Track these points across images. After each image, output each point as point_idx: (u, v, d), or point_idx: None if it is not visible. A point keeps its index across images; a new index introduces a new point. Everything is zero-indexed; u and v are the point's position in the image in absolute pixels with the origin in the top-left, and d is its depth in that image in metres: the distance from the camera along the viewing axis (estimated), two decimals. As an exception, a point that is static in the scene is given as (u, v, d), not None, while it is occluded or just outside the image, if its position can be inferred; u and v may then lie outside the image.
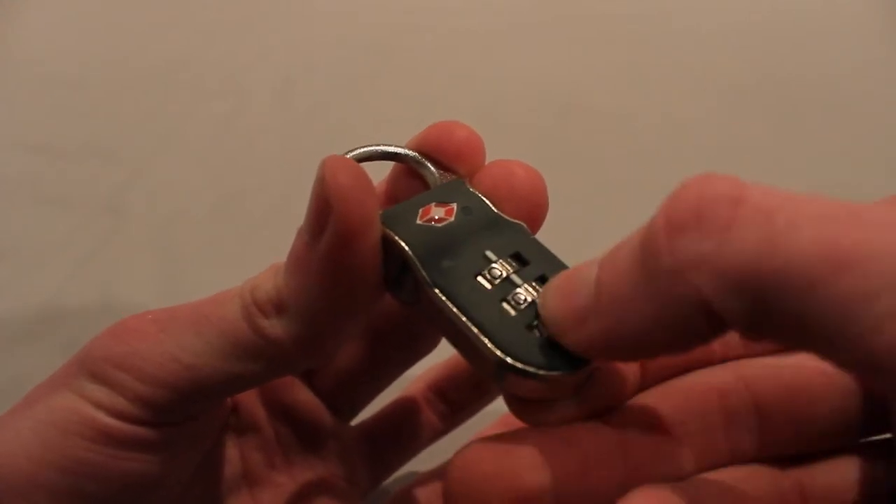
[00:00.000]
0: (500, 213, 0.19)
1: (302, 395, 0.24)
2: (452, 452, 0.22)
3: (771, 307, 0.12)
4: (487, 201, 0.20)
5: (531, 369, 0.16)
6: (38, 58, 0.45)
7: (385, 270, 0.18)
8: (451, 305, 0.18)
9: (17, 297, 0.35)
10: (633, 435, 0.17)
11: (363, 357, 0.24)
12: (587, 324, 0.15)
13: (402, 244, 0.18)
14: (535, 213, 0.19)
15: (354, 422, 0.26)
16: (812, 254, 0.12)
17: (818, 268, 0.12)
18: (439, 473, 0.25)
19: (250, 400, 0.23)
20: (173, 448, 0.19)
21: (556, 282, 0.16)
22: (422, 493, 0.25)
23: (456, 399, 0.26)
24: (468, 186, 0.20)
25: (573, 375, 0.16)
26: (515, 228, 0.19)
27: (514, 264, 0.18)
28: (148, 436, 0.18)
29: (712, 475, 0.18)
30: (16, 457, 0.17)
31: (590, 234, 0.37)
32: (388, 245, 0.18)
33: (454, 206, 0.19)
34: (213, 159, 0.41)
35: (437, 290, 0.18)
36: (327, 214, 0.16)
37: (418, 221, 0.19)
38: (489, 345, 0.17)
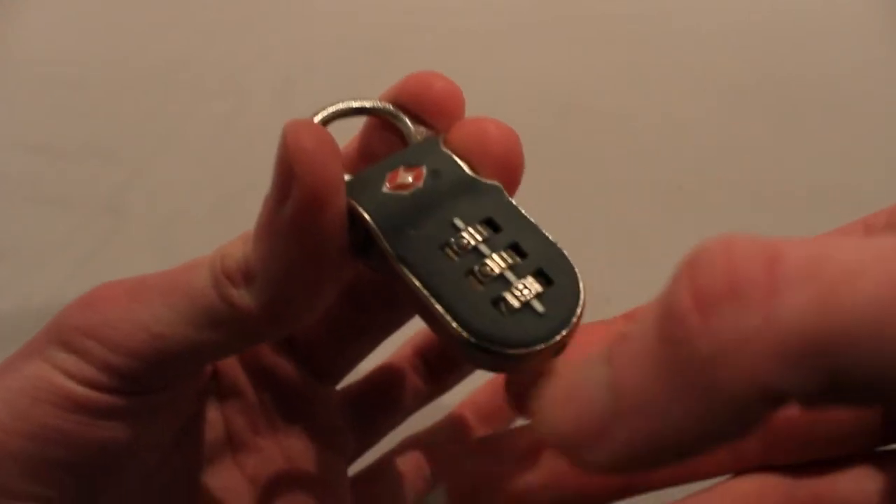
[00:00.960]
0: (473, 174, 0.18)
1: (284, 359, 0.24)
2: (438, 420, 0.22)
3: (847, 370, 0.10)
4: (461, 162, 0.18)
5: (496, 348, 0.16)
6: (38, 58, 0.45)
7: (353, 238, 0.18)
8: (414, 280, 0.17)
9: (17, 297, 0.35)
10: None
11: (345, 320, 0.23)
12: (610, 436, 0.12)
13: (366, 215, 0.17)
14: (511, 173, 0.19)
15: (340, 386, 0.25)
16: (880, 297, 0.10)
17: (893, 311, 0.10)
18: (425, 437, 0.25)
19: (231, 365, 0.23)
20: (146, 416, 0.18)
21: (553, 392, 0.14)
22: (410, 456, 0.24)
23: (442, 365, 0.25)
24: (441, 146, 0.19)
25: (542, 350, 0.16)
26: (489, 191, 0.18)
27: (484, 232, 0.17)
28: (118, 404, 0.17)
29: (730, 484, 0.18)
30: None
31: (590, 234, 0.37)
32: (353, 214, 0.18)
33: (423, 169, 0.18)
34: (213, 159, 0.41)
35: (400, 264, 0.17)
36: (290, 180, 0.16)
37: (385, 189, 0.18)
38: (453, 323, 0.16)
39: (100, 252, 0.37)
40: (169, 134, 0.42)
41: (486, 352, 0.16)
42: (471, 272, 0.17)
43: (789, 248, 0.11)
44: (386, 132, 0.20)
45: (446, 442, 0.25)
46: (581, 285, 0.17)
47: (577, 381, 0.13)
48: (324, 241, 0.17)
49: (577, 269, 0.17)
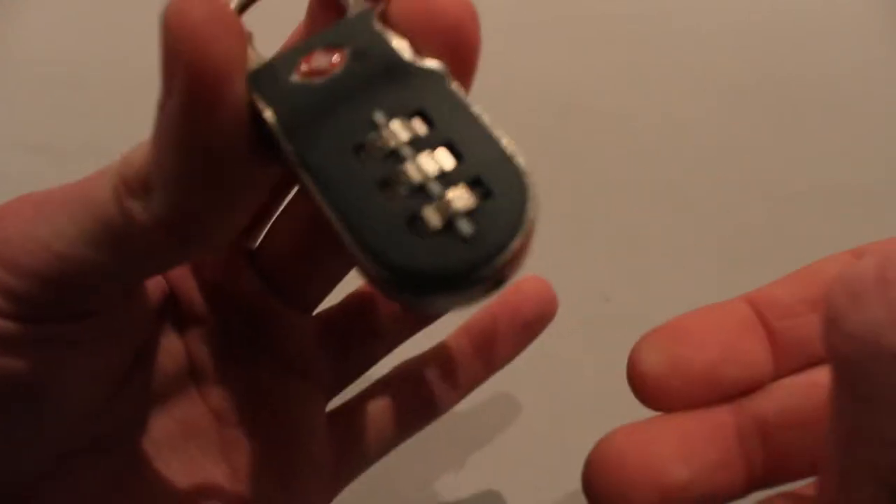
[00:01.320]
0: (407, 56, 0.14)
1: (249, 281, 0.21)
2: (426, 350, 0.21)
3: None
4: (396, 41, 0.14)
5: (407, 284, 0.12)
6: (38, 58, 0.45)
7: (262, 138, 0.14)
8: (316, 190, 0.13)
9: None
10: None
11: (313, 237, 0.20)
12: None
13: (264, 109, 0.14)
14: (461, 51, 0.15)
15: (316, 313, 0.23)
16: None
17: None
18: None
19: (188, 287, 0.21)
20: (67, 347, 0.16)
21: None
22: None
23: None
24: (374, 21, 0.15)
25: (464, 292, 0.12)
26: (427, 76, 0.14)
27: (411, 128, 0.14)
28: (22, 332, 0.15)
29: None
30: None
31: (590, 233, 0.37)
32: (255, 109, 0.14)
33: (345, 51, 0.14)
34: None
35: (302, 169, 0.14)
36: (175, 63, 0.13)
37: (294, 77, 0.14)
38: (359, 251, 0.13)
39: (100, 252, 0.37)
40: (169, 134, 0.42)
41: (391, 289, 0.13)
42: (386, 182, 0.13)
43: None
44: (330, 11, 0.17)
45: (435, 373, 0.23)
46: (530, 199, 0.13)
47: None
48: (219, 140, 0.14)
49: (528, 177, 0.13)
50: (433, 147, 0.13)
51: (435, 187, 0.13)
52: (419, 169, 0.13)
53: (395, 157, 0.13)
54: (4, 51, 0.45)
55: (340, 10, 0.16)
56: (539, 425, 0.31)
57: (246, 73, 0.14)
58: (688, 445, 0.17)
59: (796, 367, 0.19)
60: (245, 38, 0.14)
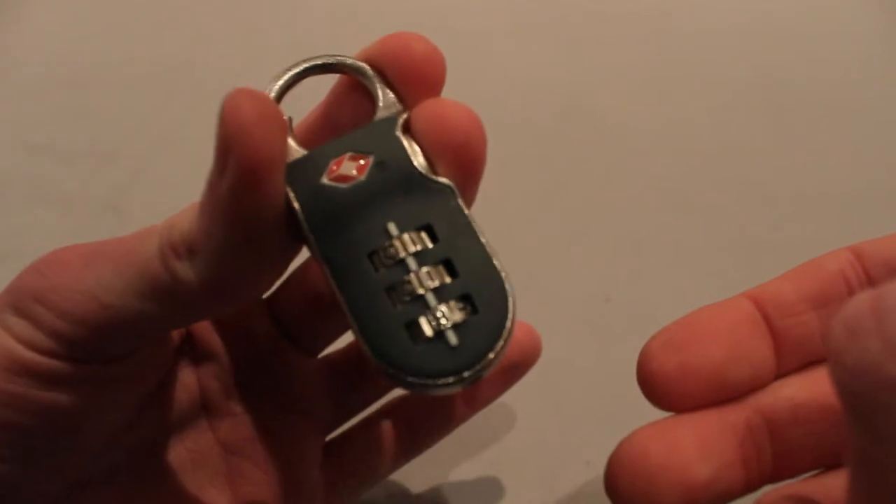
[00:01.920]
0: (423, 170, 0.16)
1: (261, 324, 0.23)
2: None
3: None
4: (413, 154, 0.17)
5: (398, 374, 0.15)
6: (38, 58, 0.45)
7: (293, 222, 0.17)
8: (334, 285, 0.16)
9: (18, 297, 0.35)
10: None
11: (319, 293, 0.23)
12: None
13: (296, 206, 0.16)
14: (467, 167, 0.17)
15: (322, 356, 0.25)
16: None
17: None
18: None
19: (206, 329, 0.23)
20: (97, 384, 0.18)
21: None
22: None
23: None
24: (397, 129, 0.17)
25: (447, 384, 0.15)
26: (438, 192, 0.16)
27: (417, 241, 0.16)
28: (66, 370, 0.17)
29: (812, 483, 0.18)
30: None
31: (590, 233, 0.37)
32: (289, 202, 0.16)
33: (370, 159, 0.16)
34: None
35: (324, 265, 0.16)
36: (228, 152, 0.15)
37: (323, 180, 0.16)
38: (362, 339, 0.15)
39: (100, 252, 0.37)
40: (169, 134, 0.42)
41: (389, 375, 0.15)
42: (391, 288, 0.15)
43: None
44: (357, 95, 0.19)
45: (422, 407, 0.25)
46: (509, 320, 0.15)
47: None
48: (259, 218, 0.16)
49: (511, 300, 0.16)
50: (434, 262, 0.16)
51: (431, 300, 0.16)
52: (420, 282, 0.15)
53: (402, 265, 0.16)
54: (4, 51, 0.45)
55: (365, 93, 0.18)
56: (539, 426, 0.31)
57: (285, 165, 0.16)
58: (707, 444, 0.17)
59: (798, 364, 0.19)
60: (286, 132, 0.16)
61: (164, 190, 0.40)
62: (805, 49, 0.45)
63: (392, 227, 0.16)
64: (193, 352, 0.23)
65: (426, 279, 0.16)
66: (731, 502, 0.18)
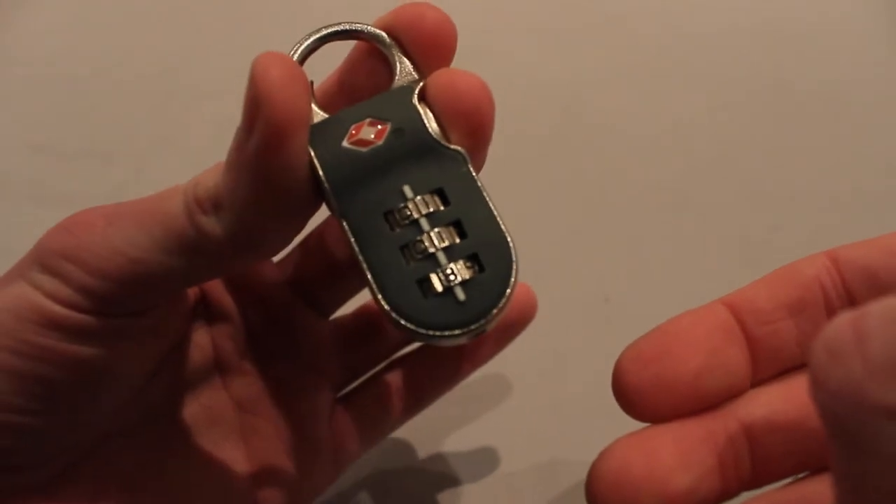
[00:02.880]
0: (437, 137, 0.18)
1: (275, 285, 0.24)
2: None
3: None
4: (427, 121, 0.18)
5: (410, 326, 0.16)
6: (38, 58, 0.45)
7: (314, 179, 0.18)
8: (352, 241, 0.17)
9: (18, 297, 0.35)
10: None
11: (334, 256, 0.24)
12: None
13: (318, 167, 0.17)
14: (477, 131, 0.18)
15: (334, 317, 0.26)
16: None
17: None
18: None
19: (218, 288, 0.24)
20: (123, 337, 0.19)
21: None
22: None
23: None
24: (413, 98, 0.18)
25: (455, 335, 0.16)
26: (450, 158, 0.17)
27: (430, 204, 0.17)
28: (95, 324, 0.18)
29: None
30: None
31: (590, 233, 0.37)
32: (310, 162, 0.18)
33: (388, 126, 0.18)
34: (213, 159, 0.41)
35: (343, 223, 0.17)
36: (256, 113, 0.16)
37: (344, 143, 0.18)
38: (377, 294, 0.17)
39: (100, 252, 0.37)
40: (169, 134, 0.42)
41: (400, 326, 0.17)
42: (405, 246, 0.17)
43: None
44: (372, 61, 0.20)
45: (426, 364, 0.26)
46: (513, 277, 0.17)
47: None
48: (285, 175, 0.17)
49: (514, 259, 0.17)
50: (445, 223, 0.17)
51: (442, 258, 0.17)
52: (432, 241, 0.17)
53: (415, 225, 0.17)
54: (4, 51, 0.46)
55: (380, 60, 0.19)
56: (539, 425, 0.31)
57: (309, 126, 0.17)
58: (687, 453, 0.18)
59: (774, 371, 0.19)
60: (310, 94, 0.17)
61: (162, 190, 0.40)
62: (805, 50, 0.45)
63: (407, 190, 0.17)
64: (207, 312, 0.23)
65: (437, 239, 0.17)
66: None
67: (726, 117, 0.42)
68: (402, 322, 0.16)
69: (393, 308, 0.16)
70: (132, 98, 0.44)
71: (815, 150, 0.40)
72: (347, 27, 0.19)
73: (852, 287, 0.19)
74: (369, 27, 0.19)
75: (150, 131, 0.42)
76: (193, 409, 0.23)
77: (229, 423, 0.23)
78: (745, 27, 0.46)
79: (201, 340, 0.23)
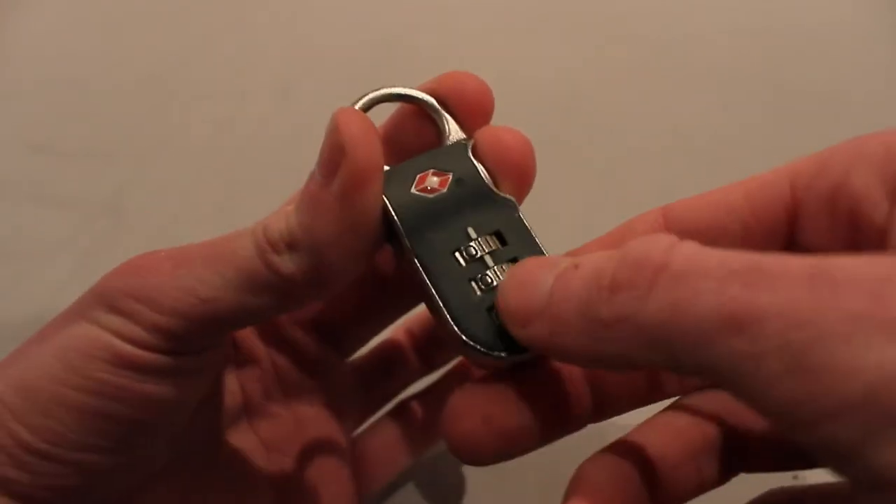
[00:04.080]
0: (492, 187, 0.20)
1: (304, 331, 0.26)
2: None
3: (681, 362, 0.14)
4: (483, 173, 0.20)
5: (483, 349, 0.18)
6: (38, 58, 0.46)
7: (383, 222, 0.20)
8: (425, 276, 0.19)
9: (17, 297, 0.35)
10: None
11: (364, 298, 0.25)
12: (533, 324, 0.16)
13: (392, 210, 0.19)
14: (523, 178, 0.21)
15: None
16: (708, 318, 0.13)
17: (713, 331, 0.13)
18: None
19: (249, 335, 0.25)
20: (189, 375, 0.20)
21: (518, 275, 0.17)
22: None
23: (433, 345, 0.28)
24: (468, 153, 0.21)
25: (521, 359, 0.18)
26: (504, 205, 0.20)
27: (491, 244, 0.19)
28: (165, 363, 0.19)
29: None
30: (39, 378, 0.18)
31: (590, 233, 0.37)
32: (383, 205, 0.19)
33: (450, 176, 0.20)
34: (213, 159, 0.41)
35: (416, 260, 0.19)
36: (340, 158, 0.18)
37: (413, 189, 0.20)
38: (451, 321, 0.18)
39: (100, 252, 0.37)
40: (169, 134, 0.42)
41: (473, 350, 0.18)
42: (473, 279, 0.19)
43: (678, 259, 0.14)
44: (416, 122, 0.22)
45: (433, 405, 0.28)
46: None
47: (534, 276, 0.17)
48: (364, 216, 0.19)
49: None
50: (505, 260, 0.19)
51: None
52: (496, 275, 0.19)
53: (480, 262, 0.19)
54: (4, 51, 0.46)
55: (424, 120, 0.21)
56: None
57: (382, 175, 0.19)
58: (524, 396, 0.19)
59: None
60: (381, 146, 0.19)
61: (163, 190, 0.40)
62: (806, 50, 0.45)
63: (471, 231, 0.19)
64: (237, 357, 0.25)
65: (501, 273, 0.19)
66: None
67: (727, 117, 0.42)
68: (479, 347, 0.18)
69: (466, 333, 0.18)
70: (132, 98, 0.44)
71: (815, 149, 0.40)
72: (400, 91, 0.21)
73: None
74: (419, 93, 0.21)
75: (150, 131, 0.42)
76: (225, 452, 0.24)
77: (257, 464, 0.24)
78: (745, 27, 0.46)
79: (230, 384, 0.24)
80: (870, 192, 0.17)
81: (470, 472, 0.30)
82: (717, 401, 0.20)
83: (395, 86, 0.21)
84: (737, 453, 0.19)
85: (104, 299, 0.19)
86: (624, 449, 0.19)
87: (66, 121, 0.42)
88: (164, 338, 0.18)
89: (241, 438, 0.24)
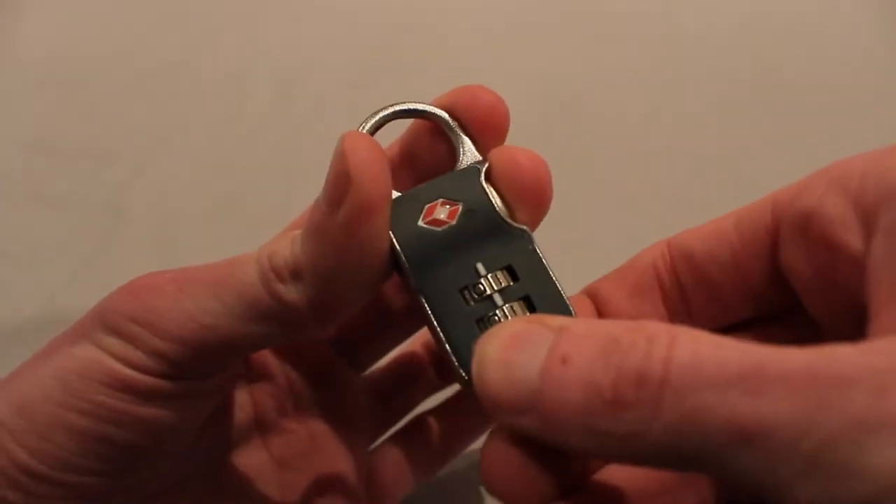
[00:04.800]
0: (505, 217, 0.19)
1: (315, 343, 0.25)
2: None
3: (694, 468, 0.14)
4: (496, 200, 0.19)
5: None
6: (38, 58, 0.45)
7: (390, 253, 0.19)
8: (430, 314, 0.18)
9: (17, 297, 0.35)
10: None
11: (381, 312, 0.25)
12: (522, 418, 0.15)
13: (397, 245, 0.19)
14: (539, 202, 0.20)
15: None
16: (716, 434, 0.13)
17: (723, 445, 0.13)
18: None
19: (262, 350, 0.24)
20: (188, 400, 0.19)
21: (496, 354, 0.15)
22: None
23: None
24: (481, 178, 0.19)
25: None
26: (517, 236, 0.19)
27: (502, 280, 0.19)
28: (164, 388, 0.18)
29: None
30: (37, 400, 0.18)
31: (590, 233, 0.37)
32: (389, 237, 0.19)
33: (459, 207, 0.19)
34: (213, 159, 0.41)
35: (420, 296, 0.18)
36: (346, 186, 0.17)
37: (420, 222, 0.19)
38: (455, 362, 0.18)
39: (100, 252, 0.37)
40: (169, 134, 0.42)
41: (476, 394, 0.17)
42: (481, 319, 0.18)
43: (676, 370, 0.14)
44: (430, 137, 0.21)
45: (460, 414, 0.27)
46: None
47: (518, 357, 0.15)
48: (370, 245, 0.18)
49: None
50: (516, 298, 0.18)
51: None
52: (505, 315, 0.18)
53: (489, 300, 0.18)
54: (4, 50, 0.45)
55: (438, 135, 0.20)
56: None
57: (390, 204, 0.18)
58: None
59: None
60: (390, 172, 0.18)
61: (164, 190, 0.40)
62: (806, 49, 0.45)
63: (480, 267, 0.19)
64: (249, 372, 0.24)
65: (510, 313, 0.18)
66: None
67: (728, 117, 0.42)
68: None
69: (469, 375, 0.17)
70: (132, 98, 0.44)
71: (816, 149, 0.40)
72: (414, 107, 0.20)
73: (678, 268, 0.21)
74: (432, 108, 0.20)
75: (151, 131, 0.42)
76: (234, 468, 0.23)
77: (269, 482, 0.24)
78: (746, 27, 0.46)
79: (241, 399, 0.24)
80: (842, 217, 0.17)
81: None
82: None
83: (406, 102, 0.20)
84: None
85: (105, 321, 0.18)
86: (601, 485, 0.18)
87: (66, 120, 0.42)
88: (164, 362, 0.18)
89: (253, 455, 0.24)
